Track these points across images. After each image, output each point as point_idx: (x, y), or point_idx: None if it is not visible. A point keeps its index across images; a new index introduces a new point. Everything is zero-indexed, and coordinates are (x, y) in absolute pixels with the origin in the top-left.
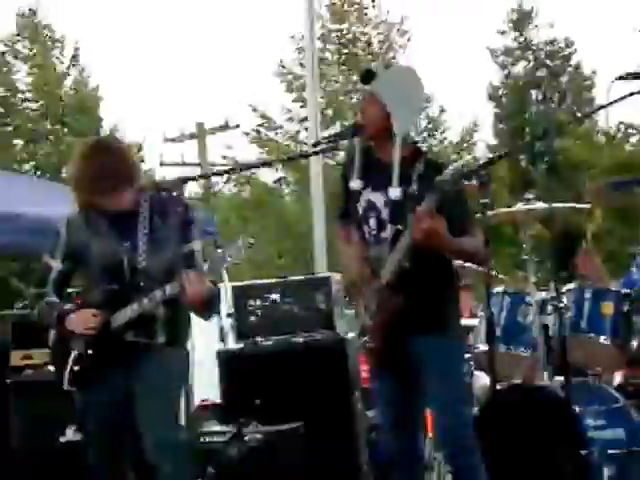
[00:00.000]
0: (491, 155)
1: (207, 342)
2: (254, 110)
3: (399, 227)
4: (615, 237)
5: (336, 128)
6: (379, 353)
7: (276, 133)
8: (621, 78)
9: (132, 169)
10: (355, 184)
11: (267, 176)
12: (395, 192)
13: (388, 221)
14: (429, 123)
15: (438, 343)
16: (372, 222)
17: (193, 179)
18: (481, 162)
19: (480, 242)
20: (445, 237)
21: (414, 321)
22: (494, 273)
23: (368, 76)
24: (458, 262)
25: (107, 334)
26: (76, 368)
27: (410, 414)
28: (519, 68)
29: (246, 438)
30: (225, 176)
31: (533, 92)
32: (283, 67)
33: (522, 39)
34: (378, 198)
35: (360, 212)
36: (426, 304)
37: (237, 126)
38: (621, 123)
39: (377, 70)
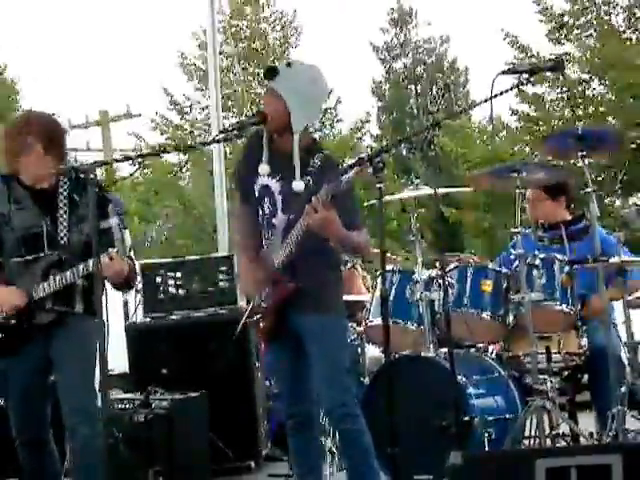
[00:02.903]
0: (383, 144)
1: (112, 316)
2: (167, 94)
3: (290, 217)
4: (490, 218)
5: (234, 117)
6: (269, 331)
7: (181, 118)
8: (504, 73)
9: (61, 133)
10: (263, 169)
11: (168, 159)
12: (299, 185)
13: (280, 209)
14: (324, 114)
15: (318, 321)
16: (265, 207)
17: (106, 163)
18: (376, 150)
19: (366, 238)
20: (337, 227)
21: (299, 301)
22: (388, 255)
23: (271, 73)
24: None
25: (28, 304)
26: None
27: (302, 383)
28: (399, 64)
29: (153, 405)
30: (131, 161)
31: (412, 87)
32: (184, 58)
33: (402, 37)
34: (274, 185)
35: (256, 195)
36: (309, 286)
37: (138, 115)
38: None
39: (279, 67)
